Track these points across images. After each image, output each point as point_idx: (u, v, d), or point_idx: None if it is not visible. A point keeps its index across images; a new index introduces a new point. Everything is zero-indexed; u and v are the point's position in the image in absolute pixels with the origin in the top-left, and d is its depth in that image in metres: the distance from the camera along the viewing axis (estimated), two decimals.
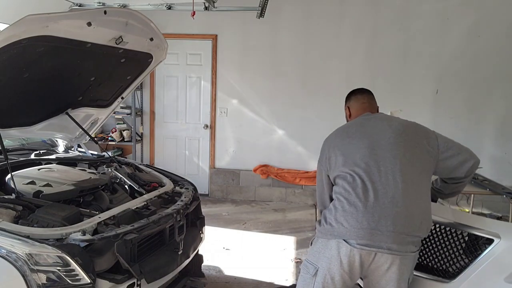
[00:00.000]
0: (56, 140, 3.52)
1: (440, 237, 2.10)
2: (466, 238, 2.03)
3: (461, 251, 2.02)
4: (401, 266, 1.83)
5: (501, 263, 1.92)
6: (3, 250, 1.82)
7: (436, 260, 2.11)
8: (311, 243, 1.97)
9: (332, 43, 5.54)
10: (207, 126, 5.95)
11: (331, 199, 1.97)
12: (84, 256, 1.89)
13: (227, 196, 5.93)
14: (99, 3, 4.15)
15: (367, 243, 1.79)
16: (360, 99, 2.25)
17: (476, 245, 2.00)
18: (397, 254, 1.80)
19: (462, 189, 2.15)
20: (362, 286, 2.00)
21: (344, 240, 1.82)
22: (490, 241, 1.96)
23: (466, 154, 2.03)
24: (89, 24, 2.16)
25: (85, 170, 2.89)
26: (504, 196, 3.52)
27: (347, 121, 2.26)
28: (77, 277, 1.84)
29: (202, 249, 2.92)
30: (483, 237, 1.98)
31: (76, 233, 1.96)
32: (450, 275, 2.04)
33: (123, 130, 5.91)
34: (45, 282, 1.81)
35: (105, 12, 2.22)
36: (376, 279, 1.88)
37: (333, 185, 1.99)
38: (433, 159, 1.96)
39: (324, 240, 1.88)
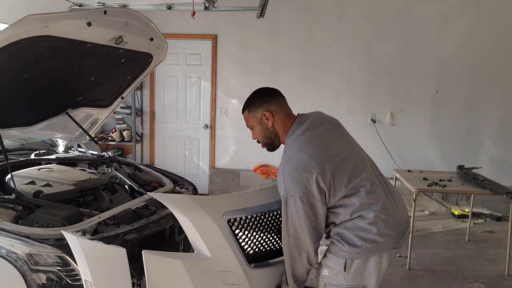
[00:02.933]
0: (56, 140, 3.52)
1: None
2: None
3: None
4: None
5: None
6: (3, 250, 1.82)
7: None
8: (345, 268, 1.71)
9: (332, 43, 5.54)
10: (207, 126, 5.94)
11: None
12: None
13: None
14: (99, 3, 4.14)
15: (402, 240, 1.79)
16: (282, 102, 1.93)
17: None
18: None
19: None
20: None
21: (392, 248, 1.75)
22: None
23: None
24: (89, 24, 2.16)
25: (85, 170, 2.89)
26: (504, 196, 3.52)
27: (268, 128, 1.88)
28: (77, 277, 1.84)
29: None
30: None
31: (76, 233, 1.95)
32: None
33: (123, 130, 5.91)
34: (45, 282, 1.81)
35: (105, 12, 2.22)
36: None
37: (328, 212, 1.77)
38: None
39: (363, 259, 1.72)
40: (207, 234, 1.74)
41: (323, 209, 1.70)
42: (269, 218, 1.93)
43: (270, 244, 1.97)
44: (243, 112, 1.96)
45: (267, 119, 1.87)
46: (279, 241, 1.94)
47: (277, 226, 1.96)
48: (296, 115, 1.92)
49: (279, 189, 1.74)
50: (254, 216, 1.87)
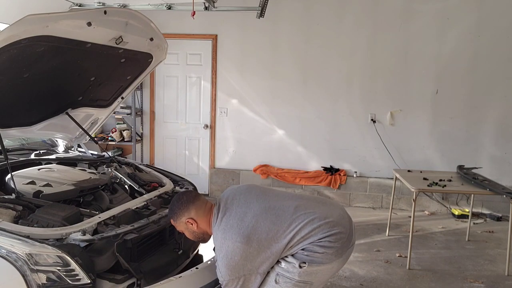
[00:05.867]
0: (56, 140, 3.52)
1: None
2: None
3: None
4: None
5: None
6: (3, 250, 1.82)
7: None
8: (300, 265, 1.87)
9: (332, 43, 5.54)
10: (207, 126, 5.95)
11: None
12: (84, 256, 1.89)
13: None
14: (99, 3, 4.15)
15: (351, 239, 2.04)
16: (199, 203, 2.04)
17: None
18: None
19: None
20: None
21: (347, 250, 1.98)
22: None
23: None
24: (89, 24, 2.16)
25: (85, 170, 2.88)
26: (504, 196, 3.52)
27: (194, 230, 2.02)
28: (77, 277, 1.84)
29: (202, 249, 2.92)
30: None
31: (76, 233, 1.96)
32: None
33: (123, 130, 5.91)
34: (45, 282, 1.80)
35: (105, 12, 2.22)
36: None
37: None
38: None
39: (319, 263, 1.89)
40: None
41: (260, 279, 1.91)
42: None
43: None
44: (169, 220, 2.11)
45: (192, 224, 2.01)
46: None
47: None
48: (213, 205, 2.06)
49: (218, 277, 1.94)
50: None
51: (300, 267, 1.86)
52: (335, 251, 1.89)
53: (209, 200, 2.10)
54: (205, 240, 2.11)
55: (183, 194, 2.10)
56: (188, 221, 2.01)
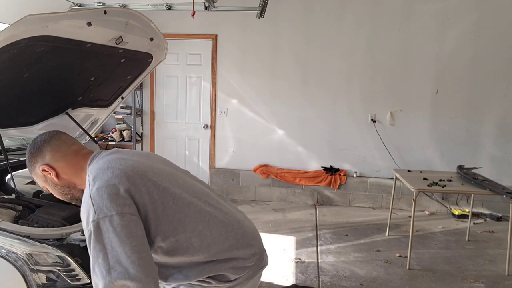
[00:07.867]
0: None
1: None
2: None
3: None
4: None
5: None
6: (3, 250, 1.82)
7: None
8: None
9: (332, 43, 5.54)
10: (207, 126, 5.95)
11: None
12: (84, 256, 1.89)
13: (227, 196, 5.93)
14: (99, 3, 4.15)
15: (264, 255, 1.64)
16: (59, 144, 1.44)
17: None
18: None
19: None
20: None
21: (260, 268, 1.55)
22: None
23: None
24: (89, 24, 2.16)
25: None
26: (504, 196, 3.52)
27: (56, 183, 1.43)
28: (77, 277, 1.84)
29: None
30: None
31: (76, 233, 1.96)
32: None
33: (123, 130, 5.92)
34: (45, 282, 1.81)
35: (105, 12, 2.22)
36: None
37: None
38: None
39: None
40: None
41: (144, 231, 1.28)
42: None
43: None
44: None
45: (49, 174, 1.42)
46: None
47: None
48: (91, 151, 1.50)
49: (85, 222, 1.25)
50: None
51: None
52: (247, 273, 1.46)
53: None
54: (77, 198, 1.46)
55: (41, 134, 1.48)
56: (43, 170, 1.41)
